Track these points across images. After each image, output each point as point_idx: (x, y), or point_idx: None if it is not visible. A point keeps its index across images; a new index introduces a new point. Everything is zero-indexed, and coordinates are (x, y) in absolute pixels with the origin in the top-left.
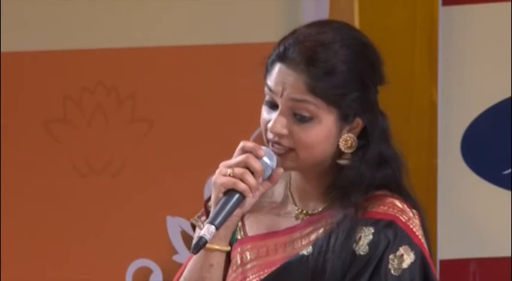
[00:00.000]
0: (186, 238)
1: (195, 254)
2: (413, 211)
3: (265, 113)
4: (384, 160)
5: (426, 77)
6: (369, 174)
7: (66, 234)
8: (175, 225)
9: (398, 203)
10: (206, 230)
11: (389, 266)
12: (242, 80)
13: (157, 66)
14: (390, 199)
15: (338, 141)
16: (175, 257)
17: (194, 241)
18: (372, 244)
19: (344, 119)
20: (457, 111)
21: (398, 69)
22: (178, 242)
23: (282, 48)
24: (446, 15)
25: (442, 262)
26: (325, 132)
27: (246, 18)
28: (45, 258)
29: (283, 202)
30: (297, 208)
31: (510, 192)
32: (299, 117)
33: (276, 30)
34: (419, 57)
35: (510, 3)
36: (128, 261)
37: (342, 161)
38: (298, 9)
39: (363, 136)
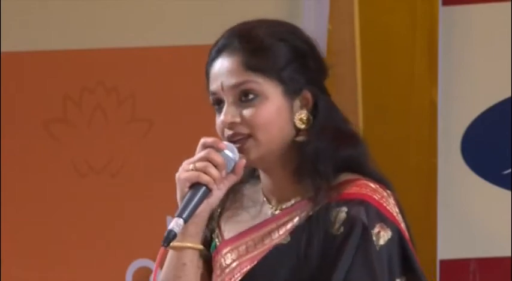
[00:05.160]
0: None
1: (165, 247)
2: (388, 191)
3: (218, 119)
4: (344, 135)
5: (426, 77)
6: (329, 147)
7: (66, 234)
8: None
9: (371, 184)
10: (175, 223)
11: (373, 243)
12: None
13: (157, 66)
14: (363, 181)
15: (293, 119)
16: None
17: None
18: (346, 223)
19: (290, 91)
20: (457, 111)
21: (398, 69)
22: None
23: (217, 44)
24: (446, 15)
25: (442, 262)
26: (275, 107)
27: (246, 18)
28: (45, 258)
29: (259, 203)
30: (270, 206)
31: (510, 192)
32: (245, 100)
33: None
34: (419, 57)
35: (510, 3)
36: (128, 261)
37: (299, 138)
38: (298, 9)
39: (317, 114)
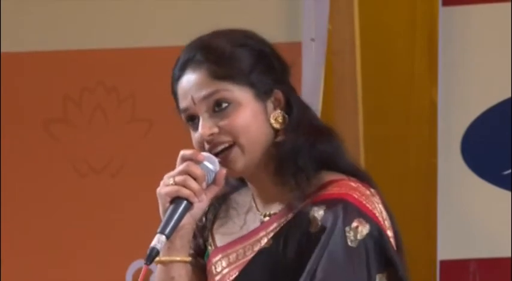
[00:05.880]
0: None
1: (148, 265)
2: (371, 190)
3: (195, 134)
4: (319, 130)
5: (426, 77)
6: (307, 142)
7: (66, 234)
8: None
9: (352, 183)
10: (157, 240)
11: (347, 238)
12: None
13: (157, 66)
14: (345, 181)
15: (269, 120)
16: None
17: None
18: (323, 220)
19: (261, 94)
20: (457, 111)
21: (398, 69)
22: None
23: (178, 63)
24: (446, 15)
25: (442, 262)
26: (250, 112)
27: (246, 18)
28: (45, 258)
29: (249, 211)
30: (260, 212)
31: (510, 192)
32: (219, 110)
33: (276, 30)
34: (419, 57)
35: (510, 3)
36: (128, 261)
37: (279, 139)
38: (298, 9)
39: (291, 112)
